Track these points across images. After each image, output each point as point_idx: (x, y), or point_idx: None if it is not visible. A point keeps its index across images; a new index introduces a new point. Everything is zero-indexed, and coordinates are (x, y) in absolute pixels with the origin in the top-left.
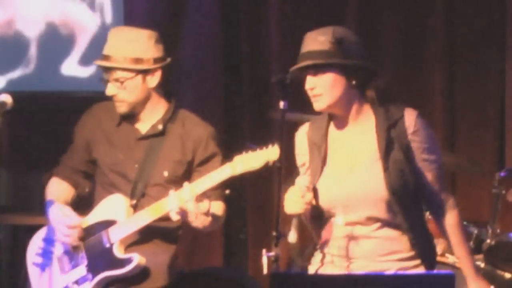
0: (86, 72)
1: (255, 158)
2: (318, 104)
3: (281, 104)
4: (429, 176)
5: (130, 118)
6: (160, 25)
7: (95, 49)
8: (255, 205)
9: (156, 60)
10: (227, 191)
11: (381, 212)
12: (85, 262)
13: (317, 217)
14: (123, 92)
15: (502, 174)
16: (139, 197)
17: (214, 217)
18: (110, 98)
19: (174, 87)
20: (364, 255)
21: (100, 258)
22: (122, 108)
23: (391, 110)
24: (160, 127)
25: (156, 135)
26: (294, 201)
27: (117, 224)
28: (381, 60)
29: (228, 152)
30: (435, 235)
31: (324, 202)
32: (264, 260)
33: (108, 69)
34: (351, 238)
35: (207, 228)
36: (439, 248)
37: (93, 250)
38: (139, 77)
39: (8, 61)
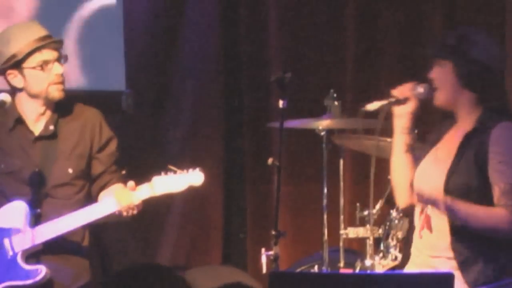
0: None
1: (176, 181)
2: (435, 99)
3: (281, 103)
4: (496, 189)
5: (22, 122)
6: (160, 24)
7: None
8: (254, 204)
9: None
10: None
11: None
12: None
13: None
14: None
15: None
16: (43, 201)
17: None
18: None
19: (174, 87)
20: (422, 249)
21: (2, 267)
22: (64, 88)
23: (489, 119)
24: (52, 127)
25: (49, 136)
26: (403, 87)
27: (21, 233)
28: (380, 61)
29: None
30: None
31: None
32: (263, 259)
33: (59, 45)
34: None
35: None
36: None
37: None
38: None
39: None
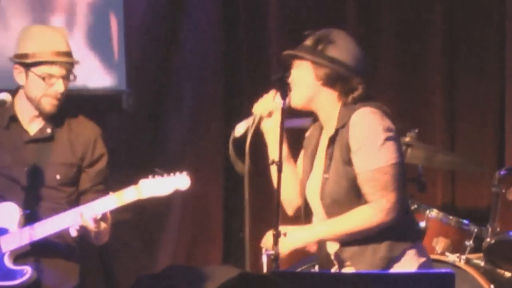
0: None
1: (163, 184)
2: (291, 100)
3: (281, 102)
4: (358, 178)
5: (17, 120)
6: (160, 24)
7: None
8: (254, 204)
9: None
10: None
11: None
12: None
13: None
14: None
15: (502, 172)
16: (32, 202)
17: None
18: None
19: (175, 86)
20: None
21: None
22: (58, 105)
23: (345, 112)
24: (49, 130)
25: (45, 139)
26: (262, 101)
27: (10, 233)
28: (380, 61)
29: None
30: (435, 234)
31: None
32: (264, 259)
33: (70, 66)
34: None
35: (100, 242)
36: (439, 247)
37: None
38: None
39: None
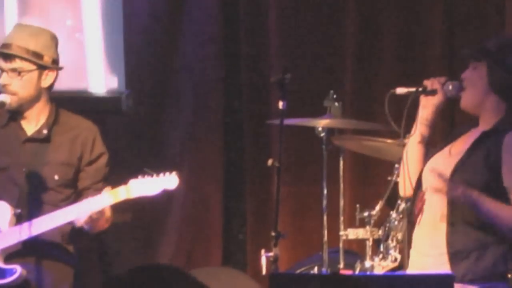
0: None
1: (152, 184)
2: (463, 101)
3: (280, 104)
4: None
5: (16, 119)
6: (159, 24)
7: None
8: (254, 205)
9: (54, 61)
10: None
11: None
12: None
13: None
14: (18, 84)
15: None
16: (30, 204)
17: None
18: None
19: (174, 87)
20: (415, 245)
21: None
22: (12, 103)
23: (508, 123)
24: (45, 132)
25: (41, 140)
26: (435, 79)
27: (0, 232)
28: (380, 62)
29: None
30: None
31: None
32: (263, 260)
33: (7, 58)
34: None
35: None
36: None
37: None
38: (36, 72)
39: None
